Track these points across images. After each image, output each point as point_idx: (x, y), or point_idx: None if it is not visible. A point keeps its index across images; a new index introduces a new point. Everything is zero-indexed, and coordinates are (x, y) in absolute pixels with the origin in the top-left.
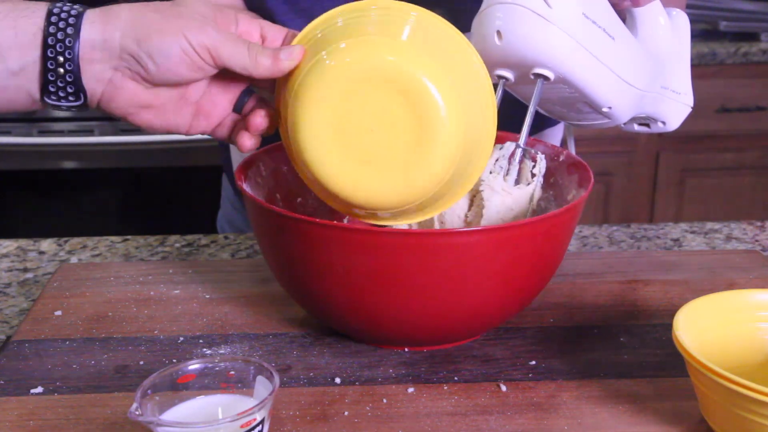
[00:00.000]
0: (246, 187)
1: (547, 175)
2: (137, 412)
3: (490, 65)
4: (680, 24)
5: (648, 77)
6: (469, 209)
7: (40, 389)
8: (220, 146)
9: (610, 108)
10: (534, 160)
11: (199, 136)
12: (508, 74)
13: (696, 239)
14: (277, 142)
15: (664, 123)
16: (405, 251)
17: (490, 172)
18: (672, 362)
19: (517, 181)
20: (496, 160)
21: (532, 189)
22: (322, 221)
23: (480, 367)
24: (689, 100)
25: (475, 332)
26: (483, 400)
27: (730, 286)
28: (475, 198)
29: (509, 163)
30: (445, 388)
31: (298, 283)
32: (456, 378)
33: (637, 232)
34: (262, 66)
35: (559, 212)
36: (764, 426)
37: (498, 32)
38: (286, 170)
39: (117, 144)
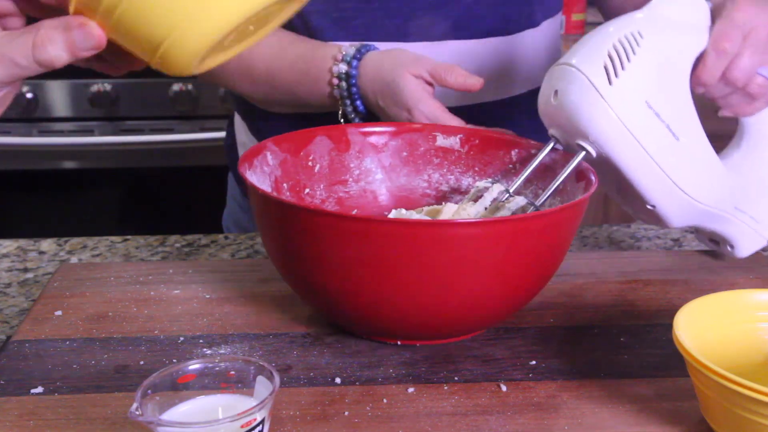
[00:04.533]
0: (250, 175)
1: (555, 177)
2: (137, 412)
3: (545, 120)
4: None
5: (717, 194)
6: None
7: (40, 389)
8: (226, 146)
9: (654, 207)
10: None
11: (199, 136)
12: (557, 135)
13: (696, 239)
14: (286, 132)
15: (732, 247)
16: (404, 241)
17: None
18: (672, 362)
19: None
20: (505, 210)
21: None
22: (323, 209)
23: (480, 367)
24: (766, 233)
25: (474, 327)
26: (483, 400)
27: (730, 286)
28: None
29: (490, 203)
30: (445, 388)
31: (299, 273)
32: (456, 378)
33: (637, 232)
34: None
35: (557, 210)
36: (764, 426)
37: (555, 92)
38: (295, 160)
39: (117, 144)
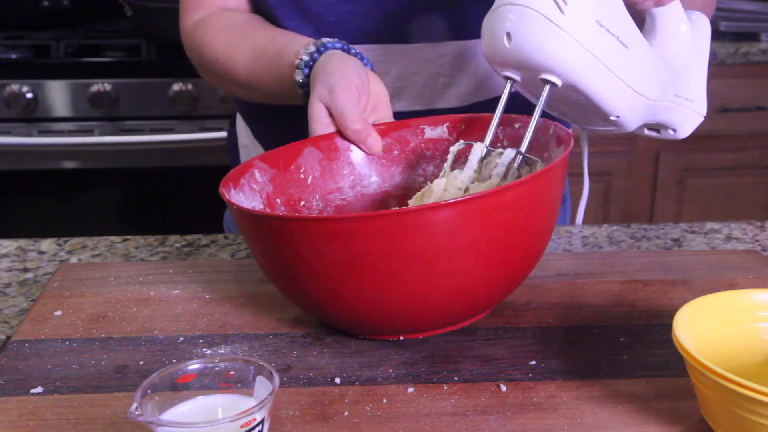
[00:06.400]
0: (235, 194)
1: (541, 150)
2: (137, 412)
3: (499, 65)
4: (701, 29)
5: (661, 87)
6: None
7: (40, 389)
8: (229, 146)
9: (618, 117)
10: (534, 166)
11: (199, 136)
12: (515, 76)
13: (696, 239)
14: (275, 148)
15: (674, 131)
16: (375, 234)
17: (489, 177)
18: (672, 362)
19: None
20: (495, 166)
21: None
22: (293, 216)
23: (480, 367)
24: (702, 109)
25: (467, 315)
26: (483, 400)
27: (730, 286)
28: None
29: (507, 169)
30: (445, 388)
31: (289, 282)
32: (456, 378)
33: (637, 232)
34: None
35: (528, 178)
36: (764, 426)
37: (507, 34)
38: (285, 174)
39: (117, 144)
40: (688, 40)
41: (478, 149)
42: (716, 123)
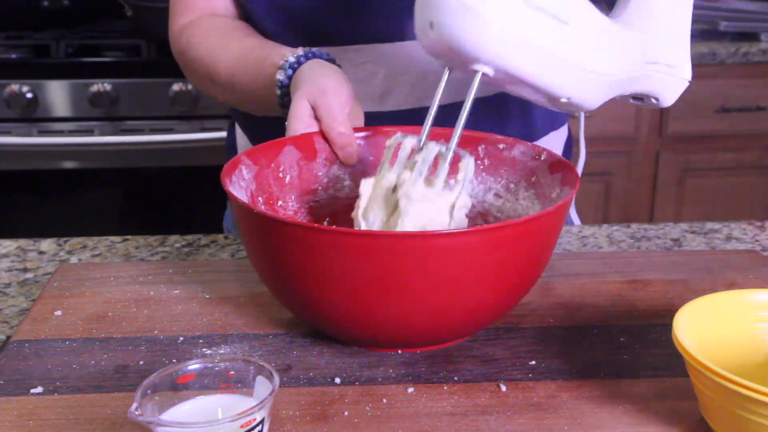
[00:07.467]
0: (231, 190)
1: (528, 174)
2: (137, 412)
3: (432, 56)
4: None
5: (623, 58)
6: (390, 216)
7: (40, 389)
8: (228, 146)
9: (569, 98)
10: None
11: (199, 136)
12: (446, 65)
13: (696, 239)
14: (259, 143)
15: (657, 99)
16: (390, 253)
17: (407, 177)
18: (672, 362)
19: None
20: (415, 163)
21: (453, 197)
22: (309, 224)
23: (480, 367)
24: (686, 74)
25: (465, 333)
26: (483, 400)
27: (730, 286)
28: (397, 205)
29: (435, 167)
30: (445, 388)
31: (286, 287)
32: (456, 378)
33: (637, 232)
34: None
35: (548, 212)
36: (764, 426)
37: (431, 23)
38: (267, 172)
39: (117, 144)
40: (664, 1)
41: (408, 145)
42: (716, 123)
